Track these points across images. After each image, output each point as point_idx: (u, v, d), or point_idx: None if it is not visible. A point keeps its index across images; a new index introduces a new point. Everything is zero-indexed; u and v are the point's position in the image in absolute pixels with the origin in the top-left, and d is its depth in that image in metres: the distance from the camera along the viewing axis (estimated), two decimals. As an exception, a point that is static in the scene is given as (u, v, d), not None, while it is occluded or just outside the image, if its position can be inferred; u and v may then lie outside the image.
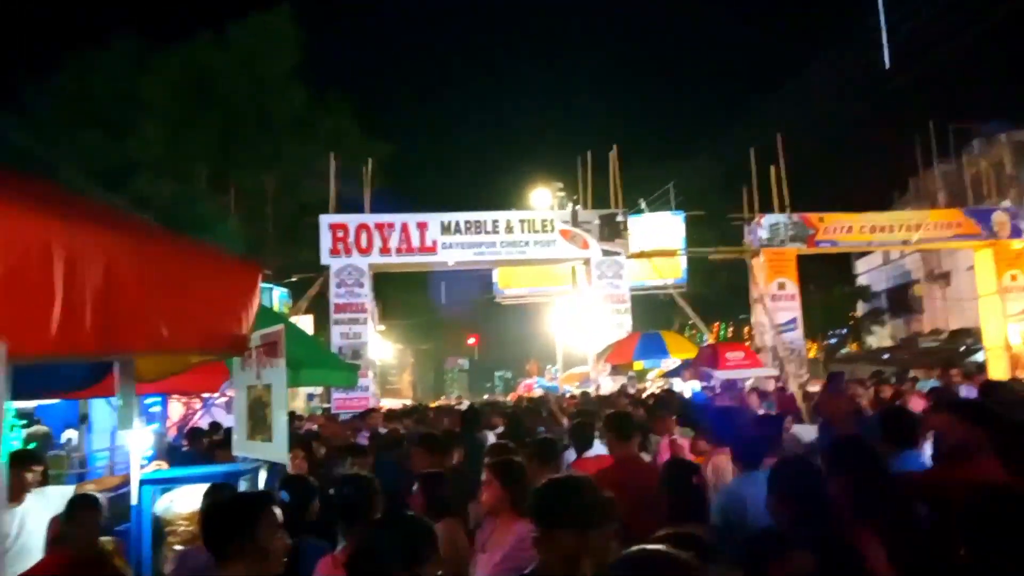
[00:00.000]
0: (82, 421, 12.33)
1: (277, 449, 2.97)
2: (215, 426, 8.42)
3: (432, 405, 18.86)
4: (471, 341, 46.12)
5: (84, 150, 25.08)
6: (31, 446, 12.51)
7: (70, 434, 14.46)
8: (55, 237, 1.59)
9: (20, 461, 4.44)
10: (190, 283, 2.08)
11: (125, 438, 5.06)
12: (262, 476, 6.24)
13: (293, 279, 23.85)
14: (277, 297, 24.54)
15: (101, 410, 14.10)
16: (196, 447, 7.90)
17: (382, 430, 8.62)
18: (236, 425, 3.13)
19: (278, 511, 2.48)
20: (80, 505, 3.65)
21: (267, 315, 3.36)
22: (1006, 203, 21.16)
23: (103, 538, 3.94)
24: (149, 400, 13.70)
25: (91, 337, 1.70)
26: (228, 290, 2.33)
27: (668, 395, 10.86)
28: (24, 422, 12.78)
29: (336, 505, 3.70)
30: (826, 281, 30.84)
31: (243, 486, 5.00)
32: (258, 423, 3.01)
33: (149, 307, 1.88)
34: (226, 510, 2.48)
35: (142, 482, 4.75)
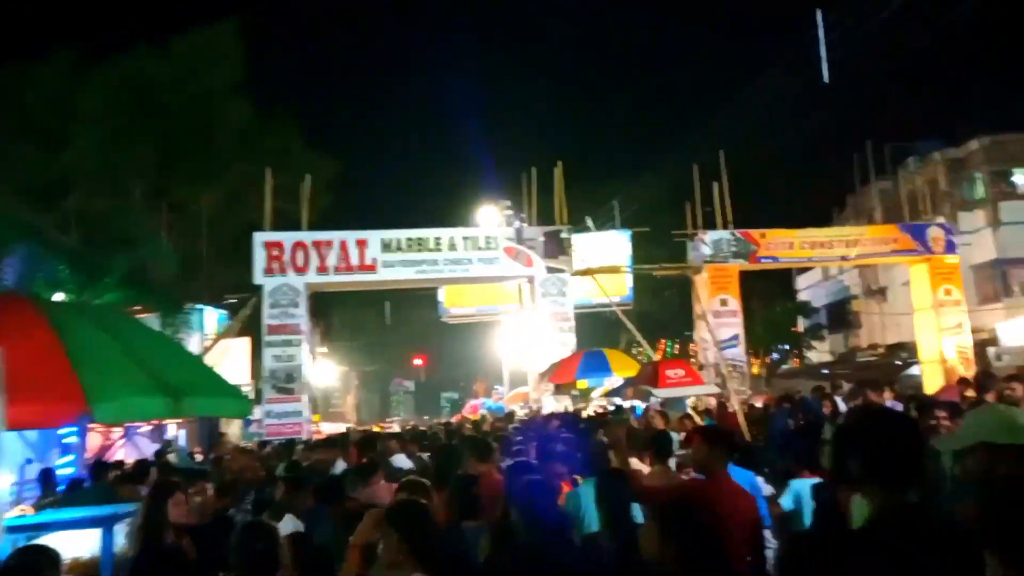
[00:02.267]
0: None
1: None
2: (117, 463, 7.72)
3: (376, 429, 18.29)
4: (418, 362, 45.37)
5: (20, 163, 23.94)
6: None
7: (-22, 468, 13.48)
8: None
9: None
10: None
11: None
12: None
13: (233, 300, 23.00)
14: (215, 319, 23.68)
15: (11, 443, 13.22)
16: (100, 482, 7.25)
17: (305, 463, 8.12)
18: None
19: None
20: None
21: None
22: (940, 219, 21.66)
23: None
24: (64, 430, 12.92)
25: None
26: None
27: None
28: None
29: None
30: (769, 297, 31.22)
31: (121, 532, 4.50)
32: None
33: None
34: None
35: (5, 529, 4.22)
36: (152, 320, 18.42)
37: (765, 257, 18.77)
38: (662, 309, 31.17)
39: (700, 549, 2.61)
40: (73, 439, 13.03)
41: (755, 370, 28.09)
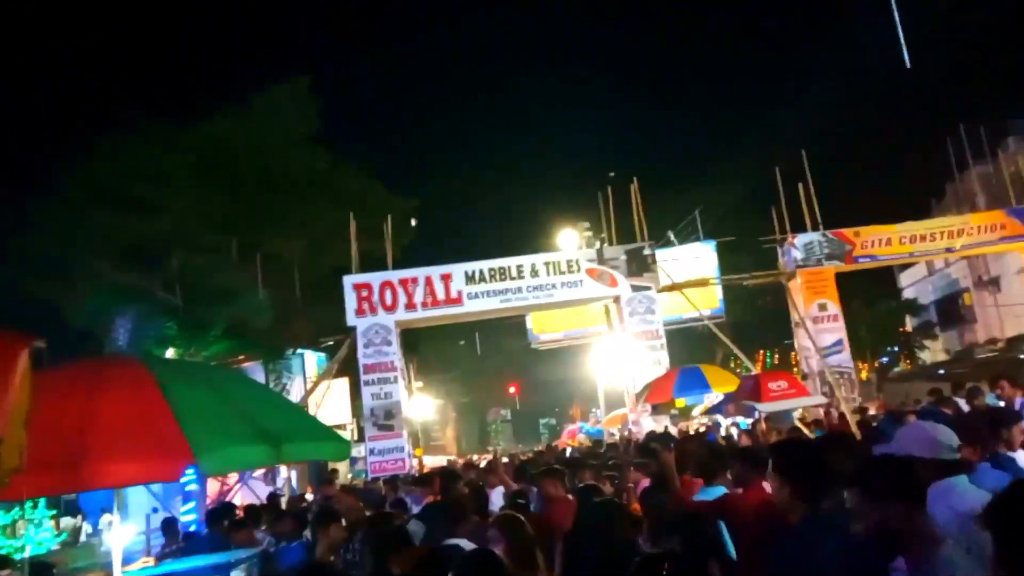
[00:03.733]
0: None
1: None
2: (227, 507, 7.89)
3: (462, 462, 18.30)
4: (512, 390, 45.43)
5: (120, 230, 25.64)
6: (62, 537, 12.37)
7: (110, 518, 14.29)
8: None
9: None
10: None
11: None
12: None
13: (330, 342, 23.74)
14: (315, 362, 24.50)
15: (137, 493, 13.95)
16: (213, 530, 7.44)
17: (408, 498, 8.15)
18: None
19: None
20: None
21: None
22: (1052, 200, 20.20)
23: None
24: (185, 479, 13.52)
25: None
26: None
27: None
28: (53, 512, 12.65)
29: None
30: (870, 298, 29.75)
31: (238, 577, 4.63)
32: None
33: None
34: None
35: (127, 582, 4.40)
36: (256, 368, 19.21)
37: (862, 256, 17.94)
38: (757, 319, 30.18)
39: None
40: (194, 487, 13.65)
41: (863, 375, 26.74)
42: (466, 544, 4.20)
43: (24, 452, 1.94)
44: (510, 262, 17.45)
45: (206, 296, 17.81)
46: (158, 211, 25.34)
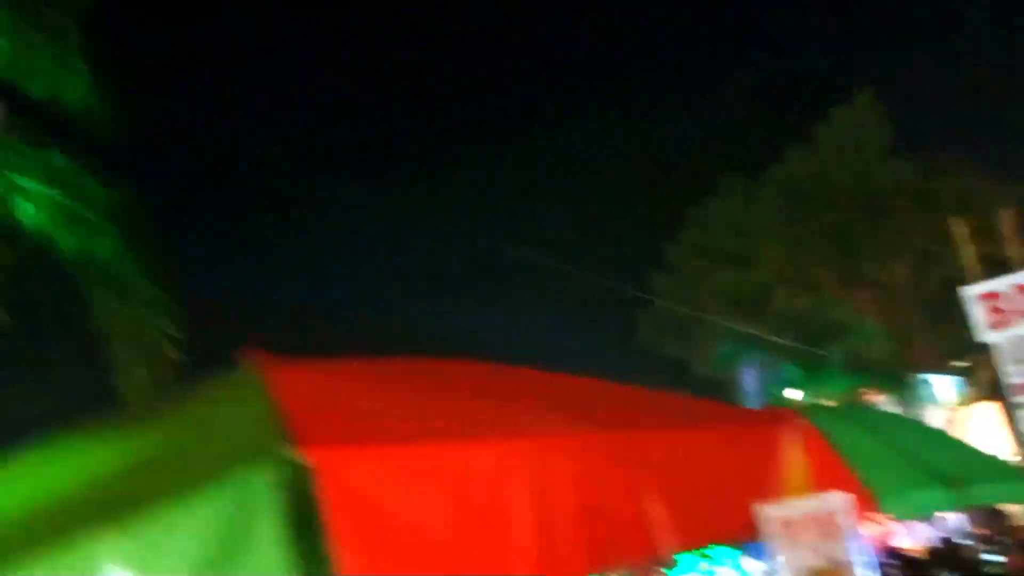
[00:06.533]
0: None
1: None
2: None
3: None
4: None
5: (722, 287, 28.14)
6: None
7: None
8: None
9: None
10: (670, 473, 1.91)
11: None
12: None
13: (963, 365, 21.48)
14: (948, 386, 22.44)
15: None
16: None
17: None
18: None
19: None
20: None
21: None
22: None
23: None
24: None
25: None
26: (724, 466, 1.97)
27: None
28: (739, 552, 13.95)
29: None
30: None
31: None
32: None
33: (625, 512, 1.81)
34: None
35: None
36: (880, 400, 18.41)
37: None
38: None
39: None
40: (856, 528, 13.71)
41: None
42: None
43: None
44: None
45: (815, 334, 17.95)
46: (753, 261, 27.00)
